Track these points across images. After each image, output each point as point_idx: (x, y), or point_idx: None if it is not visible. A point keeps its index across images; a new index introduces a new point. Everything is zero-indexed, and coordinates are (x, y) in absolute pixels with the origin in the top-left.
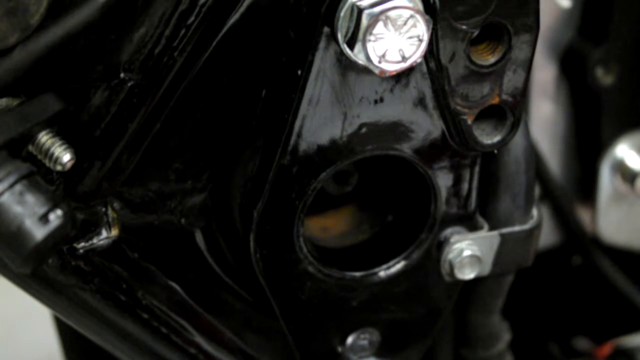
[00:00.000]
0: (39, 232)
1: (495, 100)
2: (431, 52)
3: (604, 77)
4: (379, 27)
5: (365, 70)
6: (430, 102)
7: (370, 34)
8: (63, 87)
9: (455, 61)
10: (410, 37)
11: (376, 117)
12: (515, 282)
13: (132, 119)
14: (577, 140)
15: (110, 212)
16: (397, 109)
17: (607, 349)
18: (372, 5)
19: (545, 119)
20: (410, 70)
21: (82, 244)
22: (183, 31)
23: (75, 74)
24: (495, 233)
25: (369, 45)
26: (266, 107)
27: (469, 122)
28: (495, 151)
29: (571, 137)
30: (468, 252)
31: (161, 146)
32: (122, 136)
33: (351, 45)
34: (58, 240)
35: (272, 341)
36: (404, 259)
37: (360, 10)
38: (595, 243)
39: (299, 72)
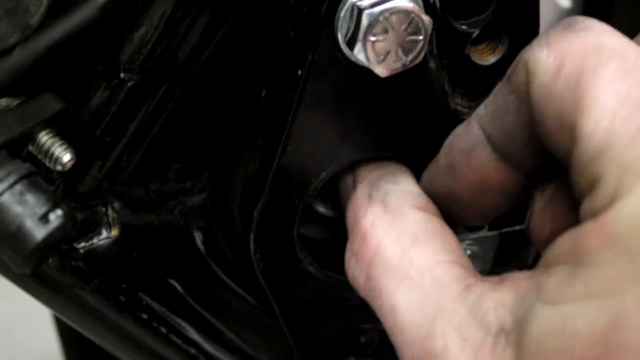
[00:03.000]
0: (39, 232)
1: None
2: (431, 52)
3: None
4: (379, 27)
5: (366, 71)
6: (430, 102)
7: (371, 34)
8: (63, 87)
9: (455, 61)
10: (410, 37)
11: (376, 117)
12: None
13: (132, 119)
14: None
15: (110, 212)
16: (397, 108)
17: None
18: (372, 5)
19: None
20: (410, 70)
21: (82, 244)
22: (183, 31)
23: (75, 74)
24: (495, 233)
25: (369, 46)
26: (266, 107)
27: None
28: None
29: None
30: (468, 252)
31: (161, 146)
32: (122, 136)
33: (351, 46)
34: (58, 240)
35: (272, 341)
36: None
37: (360, 10)
38: None
39: (299, 72)
